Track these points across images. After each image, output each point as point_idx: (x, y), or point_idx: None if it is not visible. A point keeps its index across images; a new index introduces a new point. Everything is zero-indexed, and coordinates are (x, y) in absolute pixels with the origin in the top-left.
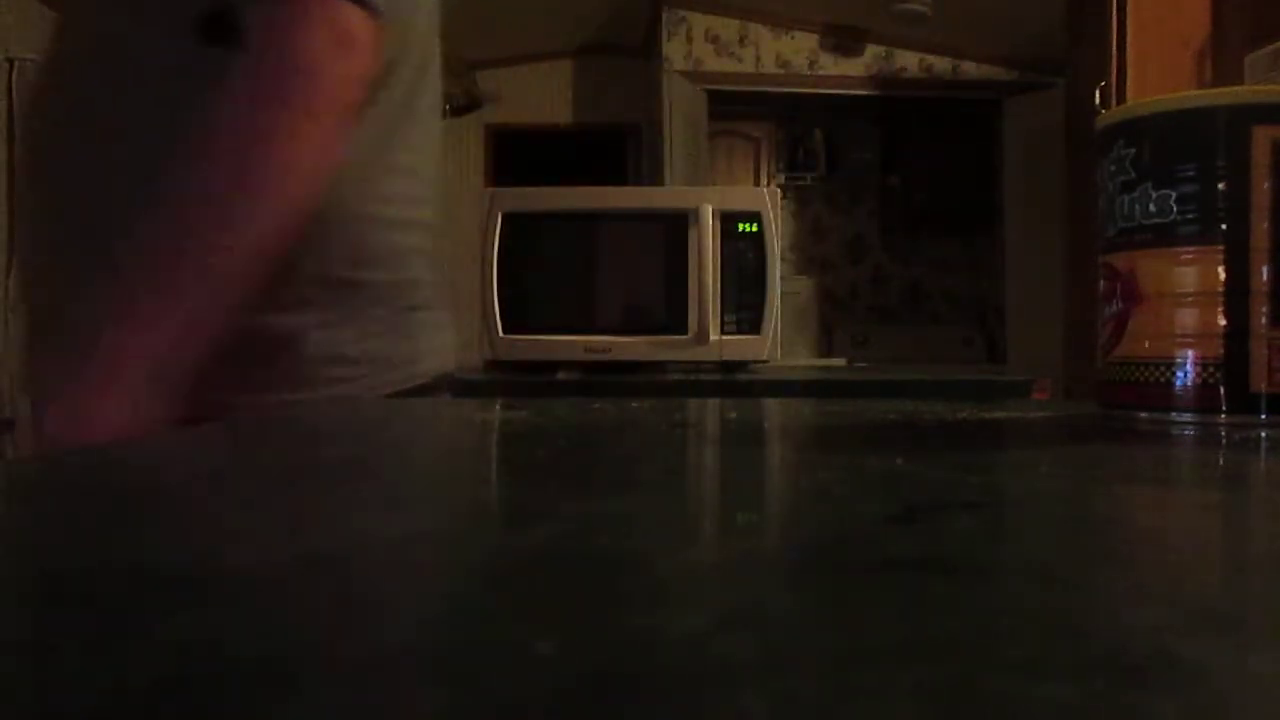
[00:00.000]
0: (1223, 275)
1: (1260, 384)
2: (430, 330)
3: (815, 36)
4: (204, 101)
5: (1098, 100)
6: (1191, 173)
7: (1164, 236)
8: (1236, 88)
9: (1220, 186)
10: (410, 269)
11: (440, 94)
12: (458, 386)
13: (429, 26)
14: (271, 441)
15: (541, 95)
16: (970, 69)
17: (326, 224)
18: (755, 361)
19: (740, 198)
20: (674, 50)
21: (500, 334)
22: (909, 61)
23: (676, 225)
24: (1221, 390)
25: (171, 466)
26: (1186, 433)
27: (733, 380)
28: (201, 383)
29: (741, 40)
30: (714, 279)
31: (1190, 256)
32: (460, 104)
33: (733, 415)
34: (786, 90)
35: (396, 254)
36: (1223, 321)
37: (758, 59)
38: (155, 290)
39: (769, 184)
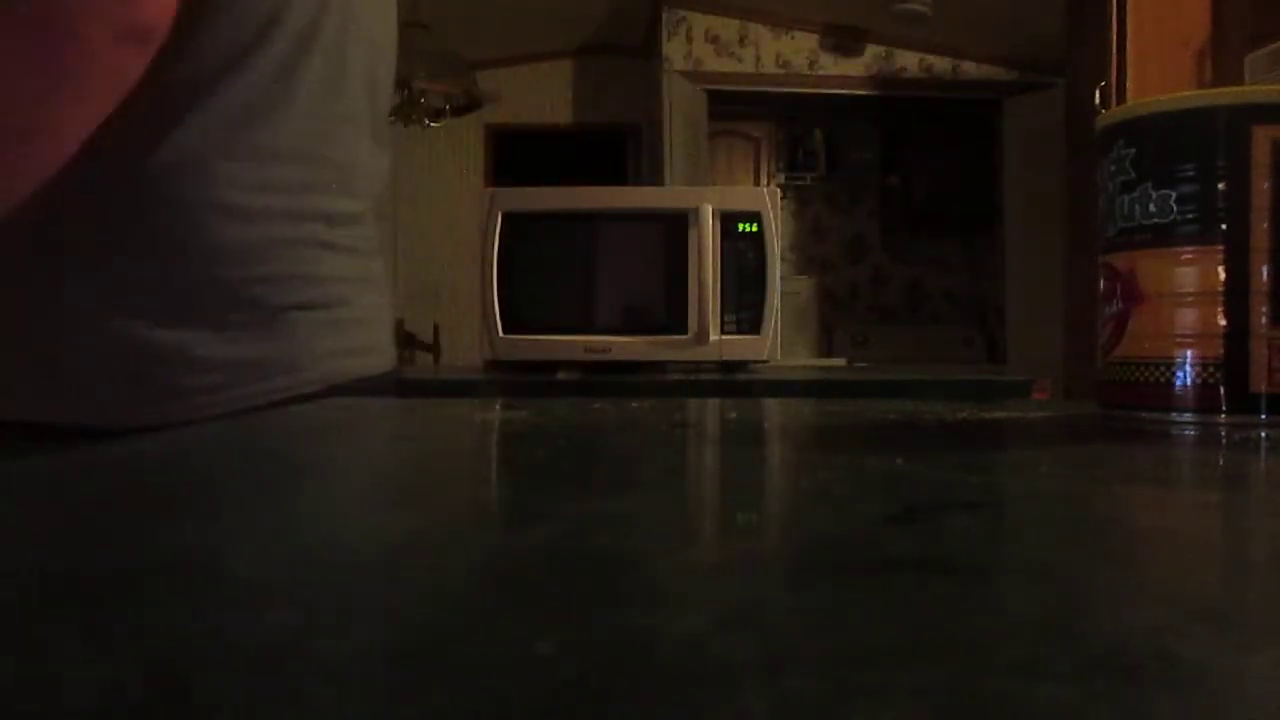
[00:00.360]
0: (1223, 275)
1: (1260, 384)
2: (333, 331)
3: (815, 36)
4: None
5: (1098, 100)
6: (1191, 173)
7: (1164, 236)
8: (1236, 88)
9: (1220, 186)
10: (291, 264)
11: (371, 74)
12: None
13: (315, 9)
14: (269, 440)
15: (541, 95)
16: (970, 69)
17: (159, 213)
18: (755, 361)
19: (740, 198)
20: (674, 50)
21: (500, 334)
22: (909, 61)
23: (676, 225)
24: (1221, 390)
25: (171, 465)
26: (1186, 433)
27: (732, 380)
28: (65, 393)
29: (741, 40)
30: (714, 279)
31: (1190, 256)
32: (460, 104)
33: (733, 415)
34: (786, 90)
35: (264, 248)
36: (1223, 321)
37: (758, 59)
38: None
39: (769, 184)
